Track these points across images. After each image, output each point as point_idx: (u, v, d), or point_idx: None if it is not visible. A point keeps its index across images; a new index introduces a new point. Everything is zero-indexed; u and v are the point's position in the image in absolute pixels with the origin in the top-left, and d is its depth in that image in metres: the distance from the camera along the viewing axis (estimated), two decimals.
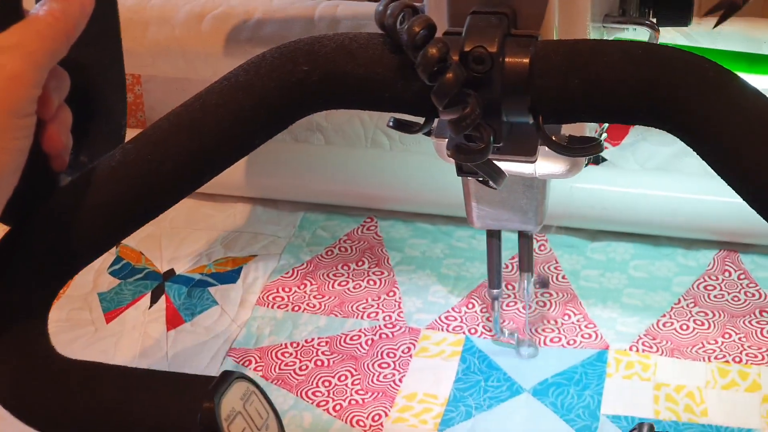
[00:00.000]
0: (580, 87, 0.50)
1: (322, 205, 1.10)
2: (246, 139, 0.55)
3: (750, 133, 0.46)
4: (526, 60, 0.50)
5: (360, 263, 1.02)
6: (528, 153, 0.57)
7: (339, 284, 0.99)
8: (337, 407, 0.85)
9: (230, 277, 1.02)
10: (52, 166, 0.55)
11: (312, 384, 0.88)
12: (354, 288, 0.99)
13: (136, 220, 0.55)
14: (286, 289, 0.99)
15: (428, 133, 0.58)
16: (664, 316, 0.92)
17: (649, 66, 0.49)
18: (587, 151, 0.54)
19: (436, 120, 0.57)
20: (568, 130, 0.59)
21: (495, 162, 0.54)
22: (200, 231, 1.08)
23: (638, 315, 0.93)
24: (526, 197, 0.73)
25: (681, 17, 0.67)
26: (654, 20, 0.67)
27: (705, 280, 0.96)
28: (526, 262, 0.82)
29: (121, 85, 0.63)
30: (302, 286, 0.99)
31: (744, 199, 0.48)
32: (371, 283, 0.99)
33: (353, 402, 0.86)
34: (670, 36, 0.93)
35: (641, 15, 0.68)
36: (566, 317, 0.93)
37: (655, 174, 1.02)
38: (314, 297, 0.98)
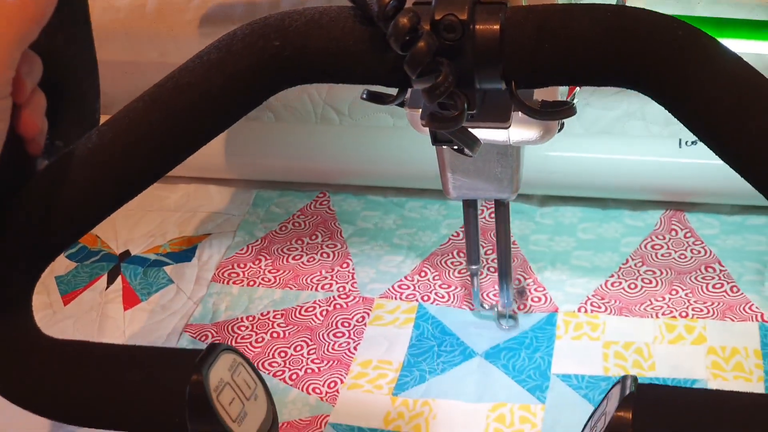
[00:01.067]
0: (552, 52, 0.50)
1: (274, 182, 1.11)
2: (220, 116, 0.55)
3: (724, 93, 0.46)
4: (497, 27, 0.50)
5: (313, 237, 1.03)
6: (501, 119, 0.57)
7: (293, 258, 1.01)
8: (294, 376, 0.87)
9: (185, 255, 1.02)
10: (28, 151, 0.55)
11: (268, 355, 0.89)
12: (308, 261, 1.00)
13: (114, 202, 0.55)
14: (241, 265, 1.00)
15: (401, 104, 0.58)
16: (612, 276, 0.94)
17: (617, 28, 0.49)
18: (560, 114, 0.54)
19: (410, 91, 0.57)
20: (539, 95, 0.60)
21: (469, 129, 0.54)
22: (154, 212, 1.09)
23: (587, 276, 0.94)
24: (501, 165, 0.74)
25: None
26: None
27: (652, 240, 0.98)
28: (504, 234, 0.82)
29: (93, 69, 0.63)
30: (257, 262, 1.01)
31: (725, 161, 0.48)
32: (325, 255, 1.00)
33: (309, 371, 0.87)
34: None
35: None
36: (517, 282, 0.95)
37: (600, 137, 1.03)
38: (269, 272, 0.99)
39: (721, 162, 0.48)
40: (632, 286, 0.93)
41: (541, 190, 1.03)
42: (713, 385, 0.82)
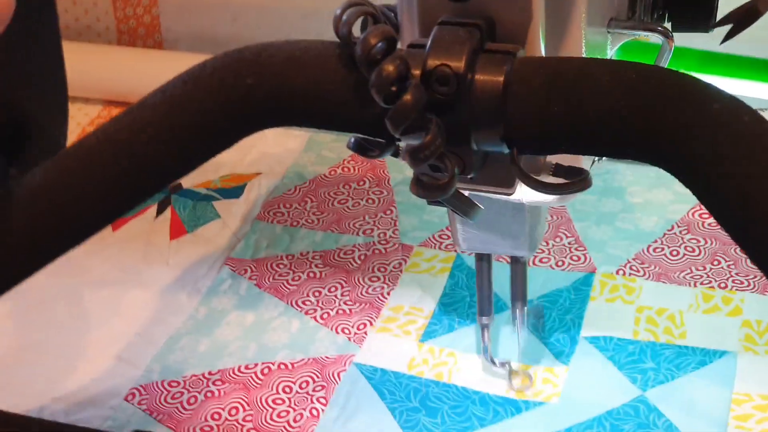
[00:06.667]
0: (563, 115, 0.43)
1: None
2: (180, 160, 0.49)
3: (762, 181, 0.39)
4: (500, 79, 0.43)
5: (361, 183, 1.04)
6: (506, 184, 0.50)
7: (338, 202, 1.02)
8: (325, 316, 0.88)
9: (234, 192, 1.04)
10: None
11: (303, 294, 0.90)
12: (353, 206, 1.01)
13: (58, 247, 0.50)
14: (287, 206, 1.02)
15: (395, 154, 0.51)
16: (656, 241, 0.93)
17: (643, 94, 0.42)
18: (572, 187, 0.47)
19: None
20: (555, 156, 0.51)
21: (471, 191, 0.49)
22: None
23: (630, 239, 0.93)
24: (517, 221, 0.65)
25: (699, 22, 0.58)
26: (668, 25, 0.58)
27: (700, 208, 0.96)
28: (520, 292, 0.75)
29: (62, 87, 0.59)
30: (302, 203, 1.02)
31: (752, 260, 0.41)
32: (370, 201, 1.01)
33: (341, 312, 0.88)
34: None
35: (654, 19, 0.59)
36: (558, 239, 0.94)
37: None
38: (313, 213, 1.00)
39: None
40: (674, 253, 0.92)
41: None
42: (743, 358, 0.80)
